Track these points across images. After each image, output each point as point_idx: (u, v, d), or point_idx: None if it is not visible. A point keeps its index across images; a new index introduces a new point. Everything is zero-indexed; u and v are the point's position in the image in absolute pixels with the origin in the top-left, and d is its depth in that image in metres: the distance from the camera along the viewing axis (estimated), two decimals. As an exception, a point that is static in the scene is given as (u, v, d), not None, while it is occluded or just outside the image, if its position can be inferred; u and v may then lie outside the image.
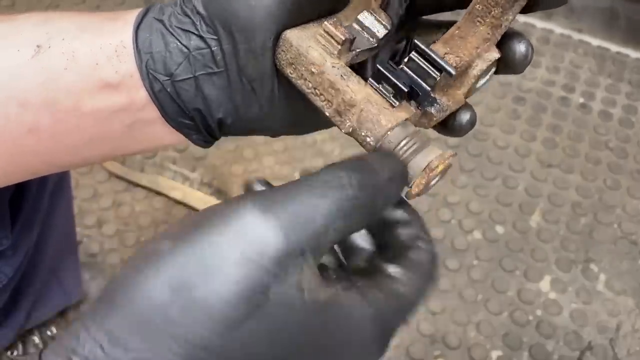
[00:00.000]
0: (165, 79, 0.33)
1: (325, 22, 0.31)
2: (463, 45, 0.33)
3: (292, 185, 0.27)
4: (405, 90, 0.31)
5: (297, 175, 1.21)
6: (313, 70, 0.31)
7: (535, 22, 1.54)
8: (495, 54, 0.33)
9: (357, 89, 0.31)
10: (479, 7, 0.32)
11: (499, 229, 1.15)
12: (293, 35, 0.32)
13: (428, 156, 0.30)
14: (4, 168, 0.36)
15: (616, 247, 1.14)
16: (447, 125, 0.35)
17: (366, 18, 0.33)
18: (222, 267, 0.24)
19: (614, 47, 1.49)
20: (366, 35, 0.33)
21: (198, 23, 0.32)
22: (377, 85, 0.31)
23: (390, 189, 0.29)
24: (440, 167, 0.30)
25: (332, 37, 0.31)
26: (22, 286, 0.76)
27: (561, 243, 1.14)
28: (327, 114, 0.32)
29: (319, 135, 1.27)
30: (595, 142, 1.30)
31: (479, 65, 0.33)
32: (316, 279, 0.26)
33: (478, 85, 0.35)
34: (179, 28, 0.32)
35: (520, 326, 1.04)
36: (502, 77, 1.40)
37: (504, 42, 0.33)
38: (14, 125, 0.34)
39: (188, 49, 0.32)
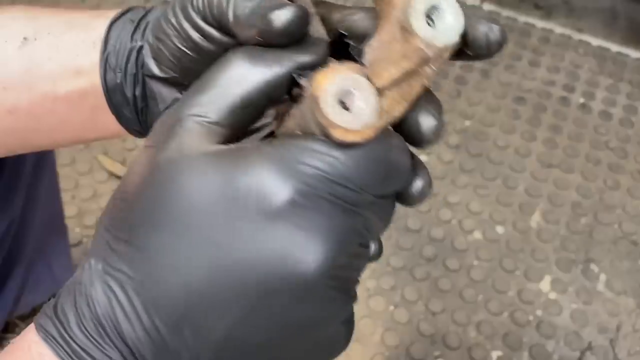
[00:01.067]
0: (118, 72, 0.36)
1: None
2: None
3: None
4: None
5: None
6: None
7: (536, 21, 1.54)
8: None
9: None
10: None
11: (499, 229, 1.15)
12: None
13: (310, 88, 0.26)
14: None
15: (616, 247, 1.14)
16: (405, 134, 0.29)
17: None
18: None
19: (614, 47, 1.49)
20: None
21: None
22: None
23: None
24: (323, 80, 0.25)
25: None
26: (8, 264, 0.76)
27: (561, 243, 1.14)
28: None
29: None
30: (595, 142, 1.30)
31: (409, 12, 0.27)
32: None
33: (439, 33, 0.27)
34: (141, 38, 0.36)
35: (520, 326, 1.04)
36: (502, 77, 1.41)
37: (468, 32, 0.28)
38: None
39: (139, 54, 0.35)
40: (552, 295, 1.07)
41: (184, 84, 0.33)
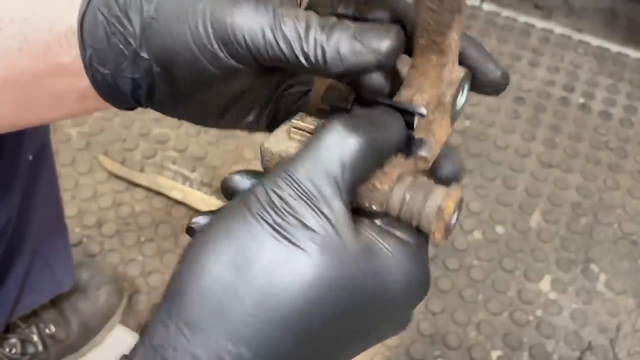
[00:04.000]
0: (106, 72, 0.34)
1: (293, 120, 0.34)
2: (426, 81, 0.33)
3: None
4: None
5: (297, 175, 1.21)
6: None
7: (536, 22, 1.54)
8: (460, 73, 0.34)
9: None
10: (422, 41, 0.32)
11: (499, 229, 1.15)
12: (270, 144, 0.34)
13: (435, 201, 0.30)
14: None
15: (616, 247, 1.14)
16: (435, 174, 0.35)
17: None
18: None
19: (614, 47, 1.49)
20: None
21: (133, 41, 0.33)
22: None
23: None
24: (451, 205, 0.31)
25: (303, 130, 0.33)
26: (7, 262, 0.76)
27: (561, 243, 1.14)
28: None
29: (319, 135, 1.27)
30: (595, 142, 1.30)
31: (449, 91, 0.34)
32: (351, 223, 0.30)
33: (458, 107, 0.35)
34: (119, 32, 0.33)
35: (520, 326, 1.04)
36: (502, 77, 1.41)
37: (476, 66, 0.35)
38: None
39: (128, 50, 0.33)
40: (552, 295, 1.07)
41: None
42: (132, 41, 0.33)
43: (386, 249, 0.30)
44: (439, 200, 0.30)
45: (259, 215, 0.28)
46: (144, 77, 0.34)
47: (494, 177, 1.23)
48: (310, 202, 0.28)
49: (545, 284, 1.09)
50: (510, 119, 1.33)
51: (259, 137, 1.24)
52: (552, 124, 1.33)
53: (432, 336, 1.02)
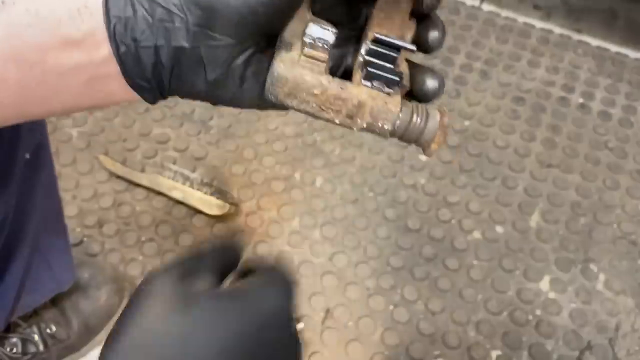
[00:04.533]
0: (130, 42, 0.34)
1: (305, 49, 0.36)
2: (392, 24, 0.38)
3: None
4: (397, 79, 0.36)
5: (297, 176, 1.22)
6: (315, 92, 0.36)
7: (535, 22, 1.54)
8: (413, 24, 0.39)
9: (358, 92, 0.36)
10: None
11: (499, 229, 1.16)
12: (282, 70, 0.36)
13: (436, 117, 0.37)
14: None
15: (615, 247, 1.15)
16: (414, 94, 0.40)
17: (313, 30, 0.36)
18: None
19: (613, 48, 1.49)
20: (320, 44, 0.36)
21: None
22: (370, 83, 0.36)
23: None
24: (446, 120, 0.37)
25: (315, 58, 0.36)
26: (5, 260, 0.76)
27: (561, 243, 1.14)
28: (337, 122, 0.37)
29: (319, 136, 1.27)
30: (594, 142, 1.30)
31: (408, 35, 0.39)
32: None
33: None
34: None
35: (519, 326, 1.04)
36: (501, 78, 1.41)
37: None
38: None
39: (152, 17, 0.34)
40: (552, 295, 1.08)
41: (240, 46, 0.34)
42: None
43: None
44: (438, 117, 0.37)
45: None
46: (169, 44, 0.34)
47: (494, 177, 1.23)
48: None
49: (544, 284, 1.09)
50: (510, 119, 1.33)
51: (260, 137, 1.24)
52: (552, 124, 1.33)
53: (432, 335, 1.02)
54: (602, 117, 1.35)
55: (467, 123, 1.32)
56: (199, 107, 1.31)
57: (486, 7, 1.57)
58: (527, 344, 1.02)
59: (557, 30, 1.53)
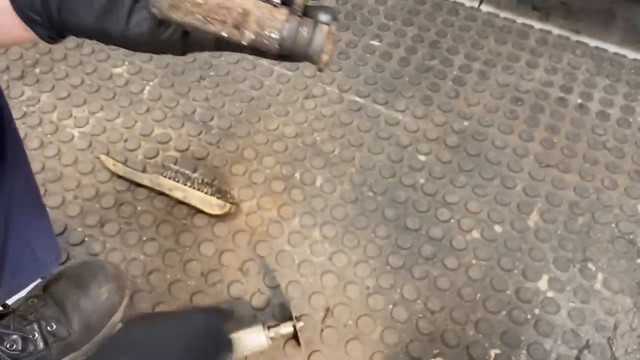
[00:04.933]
0: None
1: None
2: None
3: None
4: None
5: (297, 176, 1.22)
6: (199, 1, 0.36)
7: (533, 23, 1.55)
8: None
9: (242, 1, 0.37)
10: None
11: (498, 229, 1.16)
12: None
13: (323, 28, 0.38)
14: None
15: (614, 247, 1.15)
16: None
17: None
18: None
19: (611, 48, 1.50)
20: None
21: None
22: None
23: None
24: (334, 29, 0.38)
25: None
26: None
27: (559, 242, 1.15)
28: (225, 34, 0.37)
29: (319, 136, 1.28)
30: (593, 142, 1.31)
31: None
32: None
33: None
34: None
35: (518, 325, 1.05)
36: (500, 78, 1.42)
37: None
38: None
39: None
40: (550, 294, 1.08)
41: None
42: None
43: None
44: (325, 28, 0.38)
45: None
46: None
47: (492, 177, 1.24)
48: None
49: (543, 283, 1.10)
50: (509, 119, 1.34)
51: (260, 137, 1.24)
52: (550, 124, 1.34)
53: (431, 334, 1.03)
54: (601, 117, 1.35)
55: (466, 123, 1.33)
56: (200, 108, 1.32)
57: (485, 8, 1.58)
58: (525, 343, 1.03)
59: (556, 31, 1.53)
